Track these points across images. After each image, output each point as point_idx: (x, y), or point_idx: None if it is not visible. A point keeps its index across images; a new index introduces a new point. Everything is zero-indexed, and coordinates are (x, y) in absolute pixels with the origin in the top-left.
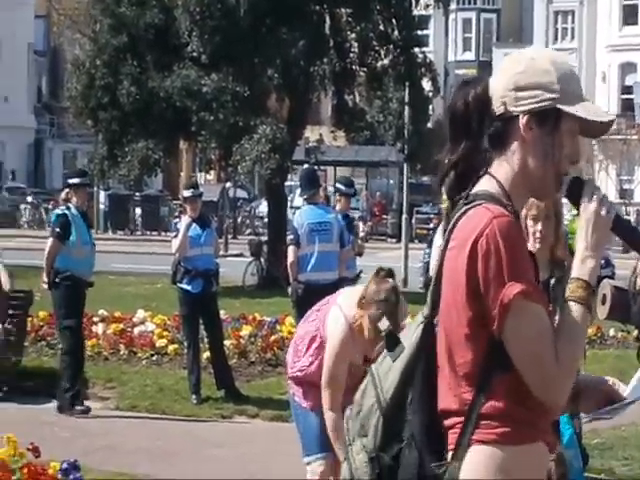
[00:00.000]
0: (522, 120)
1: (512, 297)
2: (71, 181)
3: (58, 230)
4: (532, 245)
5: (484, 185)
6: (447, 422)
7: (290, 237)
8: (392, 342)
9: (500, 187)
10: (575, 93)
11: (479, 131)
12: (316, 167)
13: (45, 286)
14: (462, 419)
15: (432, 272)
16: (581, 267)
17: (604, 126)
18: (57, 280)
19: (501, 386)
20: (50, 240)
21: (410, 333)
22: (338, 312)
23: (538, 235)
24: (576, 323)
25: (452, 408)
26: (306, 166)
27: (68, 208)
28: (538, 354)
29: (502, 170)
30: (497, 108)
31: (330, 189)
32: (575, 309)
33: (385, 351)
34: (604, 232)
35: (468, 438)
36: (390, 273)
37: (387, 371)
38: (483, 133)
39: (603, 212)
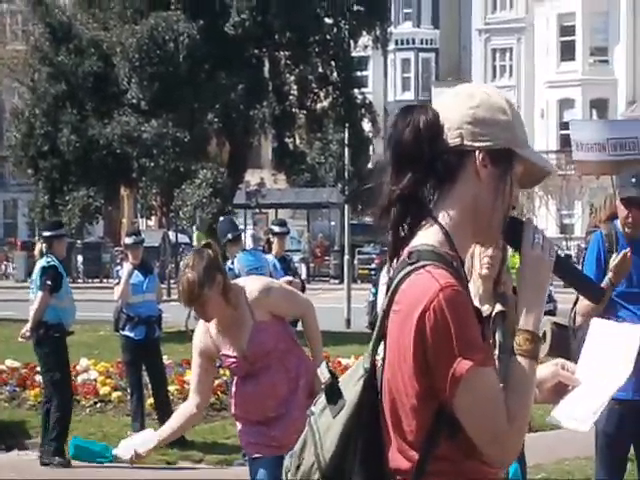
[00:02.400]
0: (479, 157)
1: (465, 371)
2: (49, 233)
3: (49, 283)
4: (480, 270)
5: (428, 237)
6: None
7: None
8: (333, 394)
9: (445, 235)
10: (524, 137)
11: (429, 162)
12: (258, 210)
13: (23, 340)
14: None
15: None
16: (526, 317)
17: (542, 177)
18: (45, 333)
19: (449, 450)
20: (40, 293)
21: (351, 385)
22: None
23: (487, 260)
24: (525, 377)
25: (401, 467)
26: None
27: (53, 259)
28: (493, 424)
29: (449, 210)
30: (452, 140)
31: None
32: (524, 363)
33: (325, 402)
34: (547, 277)
35: None
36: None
37: (327, 428)
38: (433, 165)
39: (546, 257)
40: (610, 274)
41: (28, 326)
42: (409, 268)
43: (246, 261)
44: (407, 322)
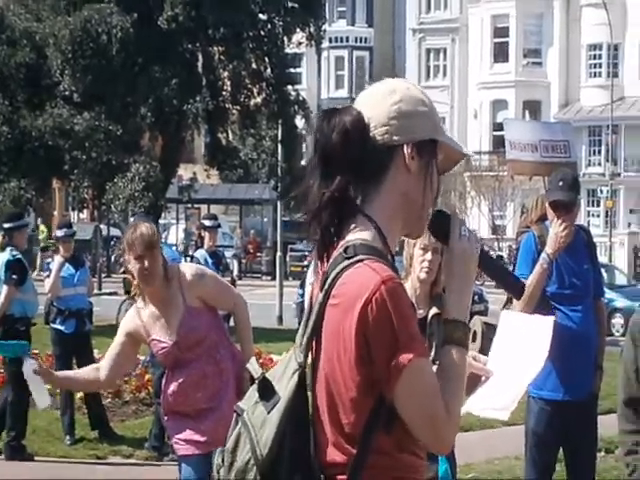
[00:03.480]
0: (407, 150)
1: (407, 362)
2: (9, 225)
3: (15, 277)
4: (417, 274)
5: (361, 232)
6: (333, 472)
7: None
8: (266, 390)
9: (377, 230)
10: (441, 124)
11: (358, 162)
12: (190, 205)
13: None
14: (346, 474)
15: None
16: (454, 307)
17: (457, 160)
18: (12, 326)
19: (385, 443)
20: (6, 287)
21: (284, 381)
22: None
23: (426, 265)
24: (455, 365)
25: (336, 460)
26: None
27: (17, 252)
28: (432, 412)
29: (380, 206)
30: (380, 137)
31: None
32: (453, 351)
33: (257, 398)
34: (474, 268)
35: None
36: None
37: (262, 423)
38: (362, 164)
39: (472, 249)
40: (548, 248)
41: None
42: (346, 262)
43: (169, 253)
44: (348, 315)
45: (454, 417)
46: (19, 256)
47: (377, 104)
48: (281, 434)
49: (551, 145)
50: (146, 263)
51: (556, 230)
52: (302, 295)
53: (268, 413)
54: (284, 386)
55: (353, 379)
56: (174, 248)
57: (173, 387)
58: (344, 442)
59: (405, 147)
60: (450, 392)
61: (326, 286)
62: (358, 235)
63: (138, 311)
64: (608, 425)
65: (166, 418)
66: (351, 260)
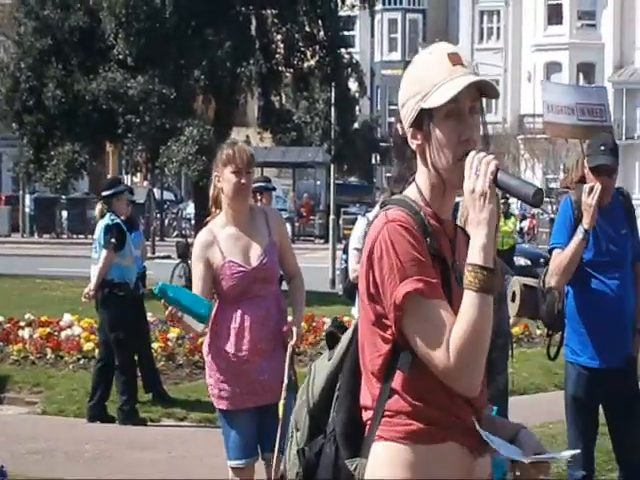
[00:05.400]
0: (408, 135)
1: (402, 297)
2: (107, 192)
3: (114, 241)
4: None
5: (406, 192)
6: (365, 417)
7: None
8: (332, 340)
9: (418, 191)
10: (433, 82)
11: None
12: None
13: (85, 299)
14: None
15: (352, 275)
16: (472, 252)
17: (483, 85)
18: (110, 291)
19: (405, 383)
20: (105, 252)
21: (349, 332)
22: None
23: None
24: (469, 308)
25: (367, 404)
26: None
27: (116, 217)
28: (432, 352)
29: (420, 176)
30: (400, 130)
31: None
32: (470, 295)
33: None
34: (486, 208)
35: (373, 435)
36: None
37: (321, 369)
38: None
39: (478, 184)
40: (585, 222)
41: (92, 285)
42: (378, 211)
43: None
44: (363, 257)
45: (460, 356)
46: (118, 221)
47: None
48: (331, 379)
49: (587, 108)
50: (243, 179)
51: (586, 200)
52: (346, 260)
53: (328, 360)
54: (346, 337)
55: (368, 316)
56: None
57: (234, 323)
58: (371, 381)
59: (407, 132)
60: (458, 334)
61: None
62: (400, 194)
63: (212, 231)
64: None
65: (212, 372)
66: (381, 209)
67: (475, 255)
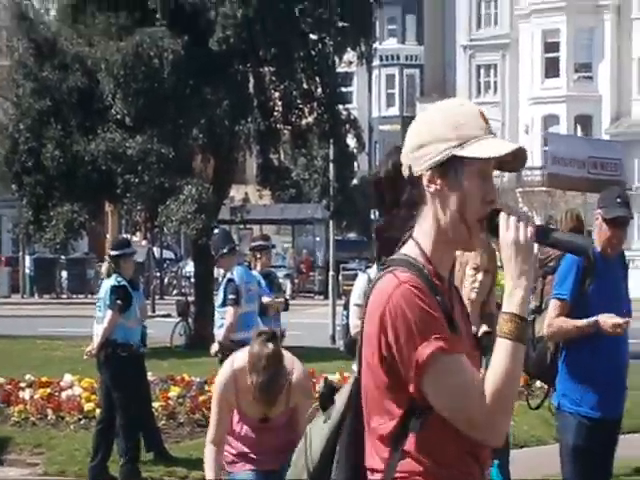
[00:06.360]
0: (425, 177)
1: (426, 358)
2: (116, 252)
3: (119, 302)
4: (468, 294)
5: (405, 250)
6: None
7: (232, 297)
8: (326, 402)
9: (420, 250)
10: (472, 133)
11: (402, 199)
12: (243, 226)
13: (87, 357)
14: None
15: (353, 331)
16: (508, 300)
17: (514, 157)
18: (113, 352)
19: (417, 445)
20: (110, 312)
21: (344, 391)
22: (230, 359)
23: (477, 285)
24: (503, 358)
25: (374, 466)
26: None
27: (123, 279)
28: (462, 407)
29: (421, 231)
30: (404, 172)
31: None
32: (504, 344)
33: (320, 411)
34: (525, 258)
35: None
36: (273, 336)
37: (319, 432)
38: (405, 198)
39: (521, 237)
40: (607, 332)
41: (95, 344)
42: (381, 273)
43: (246, 276)
44: (372, 320)
45: (495, 410)
46: (124, 283)
47: (406, 140)
48: (332, 440)
49: (600, 162)
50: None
51: (611, 329)
52: (347, 317)
53: (324, 422)
54: (342, 396)
55: (381, 379)
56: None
57: (260, 443)
58: (380, 446)
59: (424, 175)
60: (492, 384)
61: (366, 297)
62: (402, 252)
63: (234, 379)
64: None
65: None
66: (385, 271)
67: (516, 306)
